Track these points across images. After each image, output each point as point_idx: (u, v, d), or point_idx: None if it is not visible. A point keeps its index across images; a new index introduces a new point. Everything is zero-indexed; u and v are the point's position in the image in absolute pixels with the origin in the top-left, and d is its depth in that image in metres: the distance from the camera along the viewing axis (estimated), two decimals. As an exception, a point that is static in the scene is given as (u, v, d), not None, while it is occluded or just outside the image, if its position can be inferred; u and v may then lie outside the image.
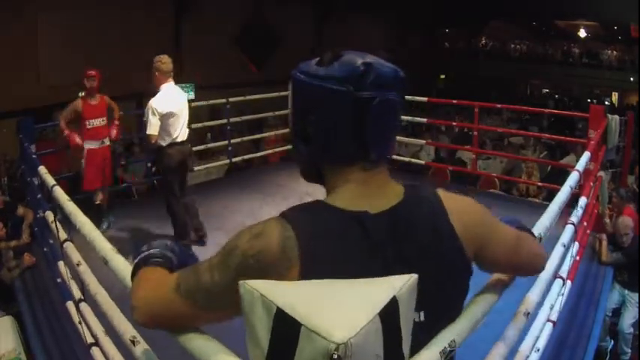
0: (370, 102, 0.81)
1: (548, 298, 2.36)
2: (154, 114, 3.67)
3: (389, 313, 0.67)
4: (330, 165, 0.88)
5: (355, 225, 0.81)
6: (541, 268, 1.13)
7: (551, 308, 2.35)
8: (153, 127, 3.69)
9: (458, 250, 0.88)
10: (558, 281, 2.48)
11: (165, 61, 3.79)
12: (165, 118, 3.73)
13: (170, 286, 0.87)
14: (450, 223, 0.88)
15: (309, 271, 0.77)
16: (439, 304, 0.87)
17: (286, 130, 7.20)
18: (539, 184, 5.86)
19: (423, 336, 0.83)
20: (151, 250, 0.98)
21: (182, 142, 3.89)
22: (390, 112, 0.85)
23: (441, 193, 0.92)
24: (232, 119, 6.03)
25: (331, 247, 0.79)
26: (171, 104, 3.76)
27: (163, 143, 3.81)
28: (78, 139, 4.43)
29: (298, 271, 0.78)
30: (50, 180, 2.50)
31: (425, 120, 7.07)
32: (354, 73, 0.81)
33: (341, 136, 0.84)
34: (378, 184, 0.87)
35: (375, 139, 0.84)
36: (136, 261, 0.98)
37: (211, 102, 6.09)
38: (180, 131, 3.87)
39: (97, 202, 4.51)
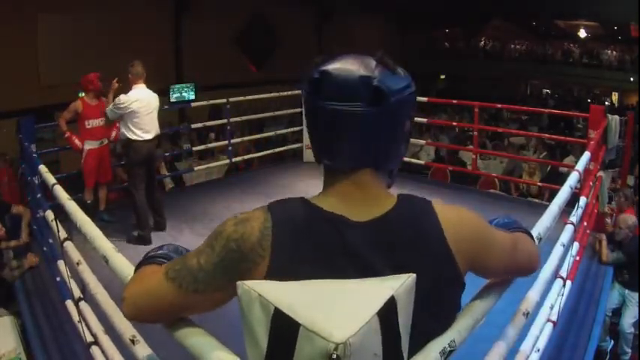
0: (322, 109, 0.82)
1: (548, 298, 2.36)
2: (115, 105, 4.14)
3: (387, 313, 0.67)
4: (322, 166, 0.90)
5: (331, 227, 0.81)
6: (536, 268, 1.12)
7: (551, 308, 2.35)
8: (111, 114, 4.23)
9: (449, 263, 0.86)
10: (558, 281, 2.48)
11: (135, 65, 4.21)
12: (129, 115, 4.14)
13: (159, 274, 0.89)
14: (443, 235, 0.86)
15: (276, 264, 0.79)
16: (425, 316, 0.82)
17: (284, 131, 7.23)
18: (540, 184, 5.86)
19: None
20: (158, 252, 1.01)
21: (149, 140, 4.26)
22: (347, 123, 0.81)
23: (436, 204, 0.90)
24: (232, 119, 6.04)
25: (302, 245, 0.80)
26: (137, 103, 4.14)
27: (132, 137, 4.18)
28: (78, 142, 4.52)
29: (268, 262, 0.80)
30: (51, 179, 2.50)
31: (425, 120, 7.07)
32: (311, 80, 0.83)
33: (312, 139, 0.89)
34: (364, 194, 0.86)
35: (325, 146, 0.86)
36: (140, 261, 1.01)
37: (211, 102, 6.11)
38: (149, 129, 4.23)
39: (88, 202, 4.56)
